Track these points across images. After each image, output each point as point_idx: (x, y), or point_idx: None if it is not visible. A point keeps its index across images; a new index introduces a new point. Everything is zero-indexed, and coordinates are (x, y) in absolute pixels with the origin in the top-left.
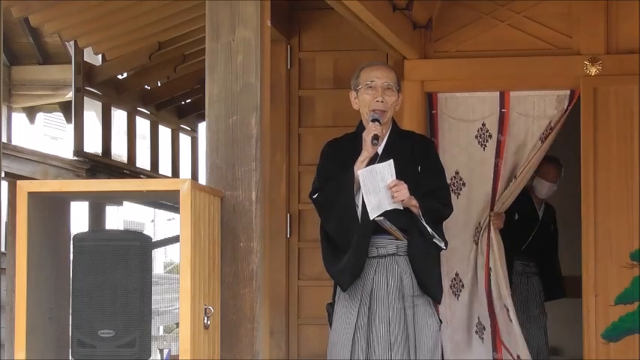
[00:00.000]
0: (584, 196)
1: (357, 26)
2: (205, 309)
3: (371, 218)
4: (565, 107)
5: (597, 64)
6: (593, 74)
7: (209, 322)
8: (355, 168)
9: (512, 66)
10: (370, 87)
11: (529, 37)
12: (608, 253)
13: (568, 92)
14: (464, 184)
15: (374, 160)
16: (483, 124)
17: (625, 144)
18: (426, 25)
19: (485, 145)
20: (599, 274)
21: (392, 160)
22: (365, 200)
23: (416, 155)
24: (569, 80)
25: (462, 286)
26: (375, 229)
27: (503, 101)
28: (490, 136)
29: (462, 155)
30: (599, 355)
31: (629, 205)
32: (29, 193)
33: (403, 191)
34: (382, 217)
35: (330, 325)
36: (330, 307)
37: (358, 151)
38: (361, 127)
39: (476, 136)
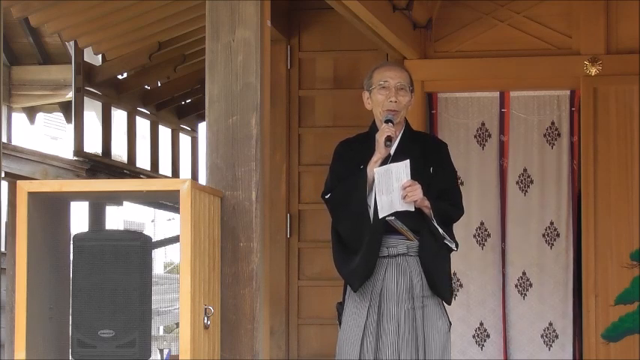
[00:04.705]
0: (584, 196)
1: (357, 26)
2: (205, 309)
3: (380, 217)
4: (569, 108)
5: (597, 64)
6: (593, 74)
7: (209, 322)
8: (368, 169)
9: (512, 66)
10: (383, 87)
11: (529, 37)
12: (608, 253)
13: (568, 92)
14: (461, 183)
15: (386, 160)
16: (482, 124)
17: (625, 144)
18: (426, 25)
19: (484, 145)
20: (599, 274)
21: (408, 161)
22: (377, 199)
23: (428, 156)
24: (569, 80)
25: (460, 285)
26: (386, 229)
27: (503, 101)
28: (489, 135)
29: (461, 155)
30: (599, 355)
31: (629, 205)
32: (29, 193)
33: (417, 192)
34: (393, 217)
35: (340, 324)
36: (340, 306)
37: (371, 151)
38: (374, 127)
39: (475, 136)
